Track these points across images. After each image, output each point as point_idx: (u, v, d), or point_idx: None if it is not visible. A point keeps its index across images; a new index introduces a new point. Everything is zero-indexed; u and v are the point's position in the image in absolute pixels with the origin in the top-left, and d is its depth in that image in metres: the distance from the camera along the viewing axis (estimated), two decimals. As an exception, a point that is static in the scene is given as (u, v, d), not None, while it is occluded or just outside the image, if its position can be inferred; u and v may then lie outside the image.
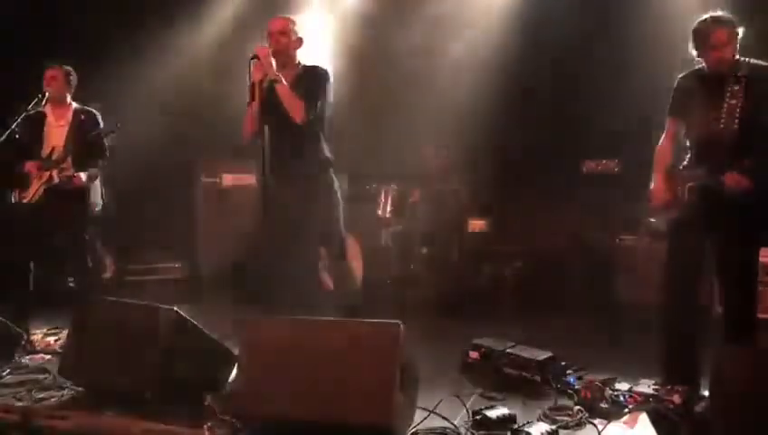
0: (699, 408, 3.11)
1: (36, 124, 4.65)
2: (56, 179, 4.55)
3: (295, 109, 3.82)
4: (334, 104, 4.12)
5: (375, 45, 6.57)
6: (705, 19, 3.30)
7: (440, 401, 3.20)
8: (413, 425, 3.02)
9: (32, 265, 4.60)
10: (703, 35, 3.28)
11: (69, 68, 4.75)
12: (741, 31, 3.28)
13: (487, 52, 6.21)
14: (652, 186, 3.56)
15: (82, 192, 4.64)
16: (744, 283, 3.37)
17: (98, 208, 4.77)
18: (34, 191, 4.56)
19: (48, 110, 4.69)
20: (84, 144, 4.55)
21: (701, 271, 3.51)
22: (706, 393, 3.17)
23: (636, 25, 5.54)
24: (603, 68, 5.87)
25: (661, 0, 5.41)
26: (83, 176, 4.60)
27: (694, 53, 3.37)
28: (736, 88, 3.24)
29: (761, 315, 3.47)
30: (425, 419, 3.08)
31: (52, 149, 4.61)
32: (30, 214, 4.58)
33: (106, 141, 4.69)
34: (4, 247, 4.67)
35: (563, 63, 6.09)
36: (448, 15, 6.48)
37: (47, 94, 4.56)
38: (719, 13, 3.30)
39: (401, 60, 6.55)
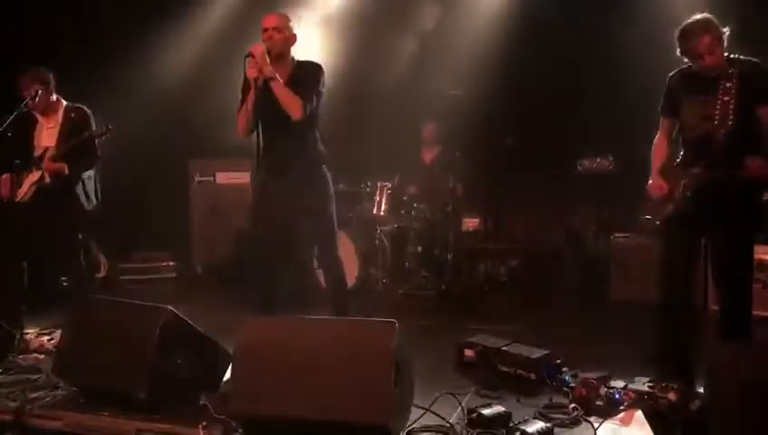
0: (694, 405, 3.11)
1: (26, 127, 4.63)
2: (47, 179, 4.53)
3: (293, 106, 3.81)
4: (331, 103, 4.13)
5: (373, 43, 6.57)
6: (688, 26, 3.27)
7: (436, 400, 3.20)
8: (409, 423, 3.02)
9: (25, 264, 4.58)
10: (688, 44, 3.27)
11: (43, 72, 4.63)
12: (726, 30, 3.27)
13: (485, 50, 6.22)
14: (649, 182, 3.57)
15: (73, 192, 4.61)
16: (739, 280, 3.38)
17: (90, 208, 4.74)
18: (25, 190, 4.55)
19: (38, 114, 4.67)
20: (76, 143, 4.53)
21: (696, 268, 3.52)
22: (701, 391, 3.18)
23: (633, 24, 5.55)
24: (600, 67, 5.89)
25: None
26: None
27: (683, 56, 3.37)
28: (728, 85, 3.23)
29: (756, 313, 3.48)
30: (420, 417, 3.08)
31: (44, 150, 4.59)
32: (22, 213, 4.56)
33: (97, 143, 4.67)
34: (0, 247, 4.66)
35: (560, 62, 6.10)
36: (448, 14, 6.49)
37: (39, 93, 4.52)
38: (701, 17, 3.27)
39: (399, 57, 6.56)
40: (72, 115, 4.64)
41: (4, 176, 4.63)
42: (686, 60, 3.37)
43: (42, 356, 4.15)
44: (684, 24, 3.30)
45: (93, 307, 3.65)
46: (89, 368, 3.37)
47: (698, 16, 3.29)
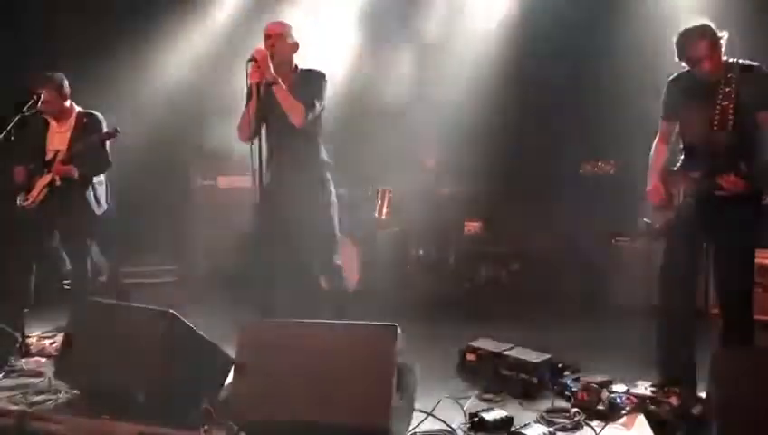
0: (696, 410, 3.12)
1: (38, 130, 4.64)
2: (58, 182, 4.54)
3: (295, 111, 3.83)
4: (333, 106, 4.13)
5: (373, 47, 6.58)
6: (684, 32, 3.28)
7: (438, 404, 3.20)
8: (411, 428, 3.02)
9: (34, 267, 4.58)
10: (685, 50, 3.28)
11: (57, 77, 4.62)
12: (725, 35, 3.28)
13: (486, 53, 6.22)
14: (648, 187, 3.58)
15: (84, 196, 4.62)
16: (740, 284, 3.38)
17: (100, 212, 4.74)
18: (37, 194, 4.56)
19: (50, 118, 4.68)
20: (86, 145, 4.54)
21: (697, 272, 3.53)
22: (703, 395, 3.18)
23: (634, 27, 5.55)
24: (601, 70, 5.88)
25: (660, 1, 5.43)
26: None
27: (682, 61, 3.38)
28: (728, 89, 3.24)
29: (757, 317, 3.48)
30: (422, 421, 3.08)
31: (56, 153, 4.60)
32: (32, 216, 4.56)
33: (107, 146, 4.68)
34: (9, 249, 4.65)
35: (561, 65, 6.10)
36: (448, 18, 6.49)
37: (42, 96, 4.52)
38: (699, 23, 3.28)
39: (400, 61, 6.56)
40: (85, 120, 4.66)
41: (18, 168, 4.63)
42: (684, 65, 3.38)
43: (44, 360, 4.16)
44: (682, 29, 3.31)
45: (95, 311, 3.66)
46: (91, 371, 3.38)
47: (696, 22, 3.30)
